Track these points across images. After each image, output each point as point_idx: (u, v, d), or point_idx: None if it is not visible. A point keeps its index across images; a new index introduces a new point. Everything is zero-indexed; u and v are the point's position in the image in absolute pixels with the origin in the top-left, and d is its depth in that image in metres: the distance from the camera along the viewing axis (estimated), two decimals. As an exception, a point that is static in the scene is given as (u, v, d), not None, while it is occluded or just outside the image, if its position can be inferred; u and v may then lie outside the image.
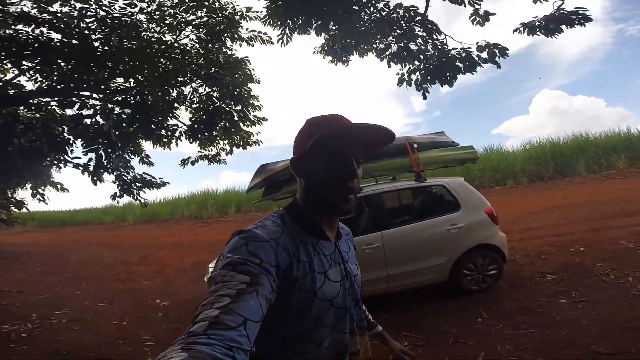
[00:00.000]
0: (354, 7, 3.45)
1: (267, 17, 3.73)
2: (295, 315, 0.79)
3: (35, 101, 4.53)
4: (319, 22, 3.58)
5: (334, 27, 3.74)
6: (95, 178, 4.69)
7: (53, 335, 4.07)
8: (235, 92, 4.79)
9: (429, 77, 3.79)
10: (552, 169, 12.07)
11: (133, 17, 4.01)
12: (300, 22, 3.67)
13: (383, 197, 4.18)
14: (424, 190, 4.68)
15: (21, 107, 4.71)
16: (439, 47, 3.71)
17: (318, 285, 0.81)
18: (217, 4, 4.46)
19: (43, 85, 4.13)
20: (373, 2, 3.49)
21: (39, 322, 4.45)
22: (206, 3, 4.23)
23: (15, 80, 4.47)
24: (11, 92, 4.11)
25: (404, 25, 3.51)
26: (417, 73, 3.95)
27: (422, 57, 3.72)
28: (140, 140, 5.32)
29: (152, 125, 4.66)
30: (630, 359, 2.50)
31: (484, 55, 3.73)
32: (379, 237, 3.86)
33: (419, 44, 3.71)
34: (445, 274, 3.92)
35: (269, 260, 0.72)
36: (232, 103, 5.01)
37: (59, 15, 3.66)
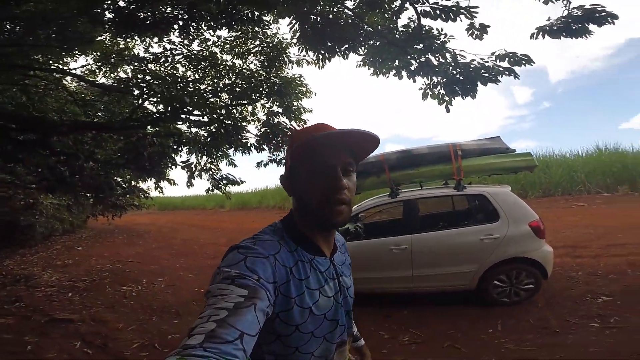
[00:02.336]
0: (361, 35, 3.92)
1: (300, 46, 4.52)
2: (290, 331, 0.81)
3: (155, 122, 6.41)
4: (342, 48, 4.14)
5: (359, 50, 4.26)
6: (188, 184, 6.57)
7: (152, 295, 5.68)
8: (293, 107, 5.91)
9: (451, 89, 3.94)
10: (687, 174, 10.03)
11: (209, 50, 5.42)
12: (324, 49, 4.27)
13: (417, 203, 4.48)
14: (463, 199, 4.81)
15: (148, 127, 6.58)
16: (458, 59, 3.87)
17: (313, 301, 0.84)
18: (265, 35, 5.56)
19: (160, 108, 5.76)
20: (383, 28, 3.90)
21: (146, 285, 6.20)
22: (259, 35, 5.40)
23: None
24: (139, 115, 5.91)
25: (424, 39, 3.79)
26: (439, 87, 4.16)
27: (443, 69, 3.92)
28: (226, 148, 6.83)
29: (231, 137, 6.04)
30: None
31: (505, 64, 3.78)
32: (407, 240, 4.23)
33: (437, 58, 3.93)
34: (474, 283, 4.07)
35: (267, 277, 0.74)
36: (287, 119, 6.21)
37: (158, 54, 5.25)
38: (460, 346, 3.33)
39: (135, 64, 5.50)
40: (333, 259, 0.95)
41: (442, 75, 3.98)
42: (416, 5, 3.52)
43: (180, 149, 6.89)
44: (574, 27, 3.41)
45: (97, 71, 6.47)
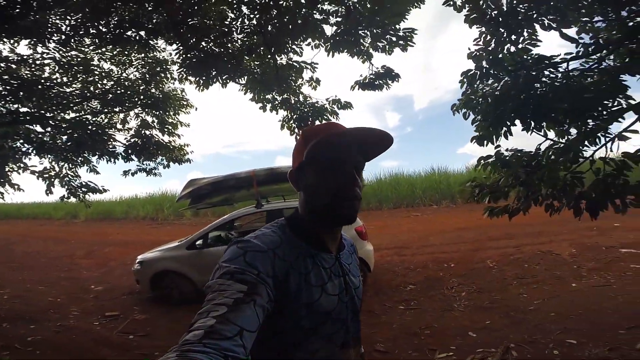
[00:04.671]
0: (240, 71, 4.96)
1: (183, 73, 5.22)
2: (289, 327, 0.81)
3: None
4: (223, 78, 5.04)
5: (238, 81, 5.21)
6: (47, 191, 6.23)
7: (-5, 306, 5.29)
8: (169, 121, 6.33)
9: (299, 124, 5.25)
10: (487, 191, 13.75)
11: (86, 56, 5.44)
12: (205, 76, 5.04)
13: (279, 213, 5.32)
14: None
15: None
16: (307, 100, 5.23)
17: (314, 298, 0.83)
18: (150, 52, 5.92)
19: (11, 108, 5.38)
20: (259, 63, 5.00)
21: (-19, 298, 5.68)
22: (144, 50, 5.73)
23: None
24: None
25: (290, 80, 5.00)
26: (292, 121, 5.45)
27: (298, 106, 5.20)
28: (88, 154, 6.67)
29: (97, 144, 6.04)
30: (394, 358, 3.30)
31: (336, 108, 5.30)
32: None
33: (294, 97, 5.21)
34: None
35: (266, 271, 0.75)
36: (160, 132, 6.56)
37: (25, 56, 5.07)
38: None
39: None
40: (340, 256, 0.95)
41: (294, 111, 5.18)
42: (277, 59, 4.64)
43: (31, 152, 6.44)
44: (376, 83, 4.99)
45: None
